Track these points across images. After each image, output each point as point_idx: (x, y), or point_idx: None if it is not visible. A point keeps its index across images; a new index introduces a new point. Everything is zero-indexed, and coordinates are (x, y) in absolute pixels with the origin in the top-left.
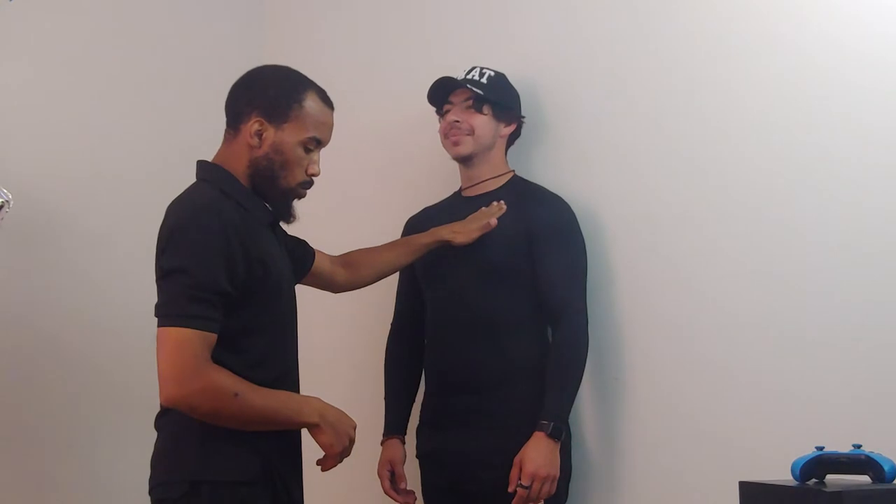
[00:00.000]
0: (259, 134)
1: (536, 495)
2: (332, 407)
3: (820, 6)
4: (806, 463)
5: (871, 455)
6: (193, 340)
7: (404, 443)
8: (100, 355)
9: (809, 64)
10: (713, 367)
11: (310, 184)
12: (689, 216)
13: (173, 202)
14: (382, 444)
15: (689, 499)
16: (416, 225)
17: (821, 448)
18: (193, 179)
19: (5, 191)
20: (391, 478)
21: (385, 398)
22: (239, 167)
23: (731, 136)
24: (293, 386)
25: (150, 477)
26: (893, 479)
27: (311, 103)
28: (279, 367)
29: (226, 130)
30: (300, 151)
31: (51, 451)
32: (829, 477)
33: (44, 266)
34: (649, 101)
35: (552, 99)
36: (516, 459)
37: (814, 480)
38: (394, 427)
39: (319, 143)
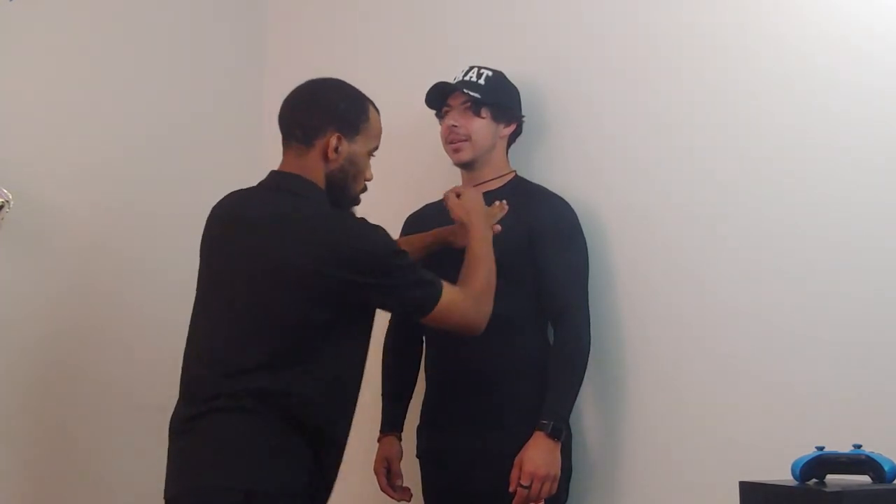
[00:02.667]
0: (336, 148)
1: (536, 495)
2: (473, 212)
3: (822, 6)
4: (806, 463)
5: (871, 455)
6: (449, 290)
7: (400, 440)
8: (100, 355)
9: (812, 62)
10: (713, 367)
11: (365, 189)
12: (691, 215)
13: (325, 218)
14: (379, 441)
15: (689, 499)
16: (415, 222)
17: (821, 448)
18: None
19: (5, 191)
20: (387, 475)
21: (382, 396)
22: (316, 180)
23: (733, 135)
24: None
25: (187, 479)
26: (893, 479)
27: (372, 114)
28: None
29: (292, 146)
30: (367, 161)
31: (51, 451)
32: (830, 477)
33: (44, 266)
34: (652, 100)
35: (554, 98)
36: (517, 459)
37: (814, 480)
38: (390, 424)
39: (376, 150)
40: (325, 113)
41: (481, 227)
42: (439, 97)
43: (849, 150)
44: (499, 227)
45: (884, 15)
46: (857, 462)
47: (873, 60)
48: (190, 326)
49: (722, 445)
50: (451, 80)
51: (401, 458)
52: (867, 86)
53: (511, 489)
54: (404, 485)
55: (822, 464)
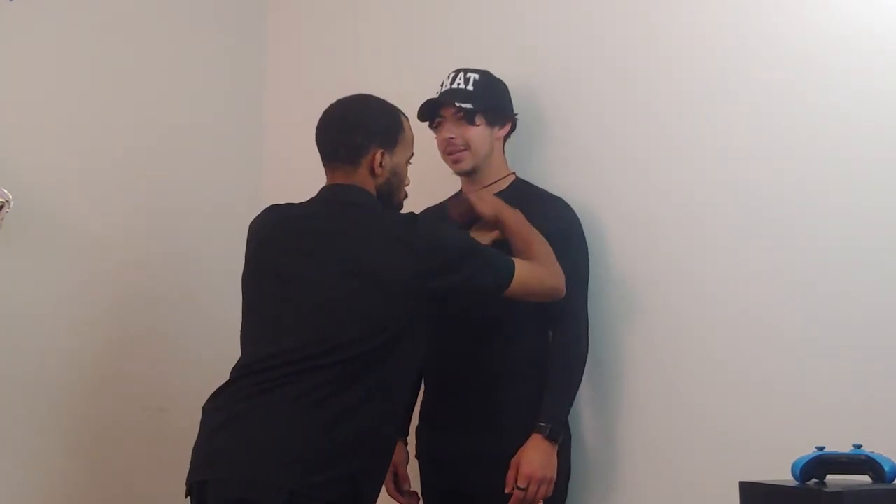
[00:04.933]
0: (381, 163)
1: (533, 497)
2: (498, 204)
3: (823, 6)
4: (806, 463)
5: (872, 455)
6: (519, 263)
7: (407, 444)
8: (100, 355)
9: (814, 63)
10: (713, 368)
11: (406, 195)
12: (692, 216)
13: (395, 222)
14: None
15: (689, 499)
16: None
17: (821, 448)
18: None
19: (5, 191)
20: (395, 479)
21: None
22: (370, 191)
23: (734, 136)
24: None
25: (233, 466)
26: (893, 479)
27: (406, 124)
28: None
29: (338, 167)
30: (406, 169)
31: (51, 451)
32: (830, 477)
33: (44, 266)
34: (652, 100)
35: (554, 99)
36: (513, 461)
37: (814, 480)
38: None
39: (412, 156)
40: (367, 132)
41: (511, 213)
42: (431, 109)
43: (850, 151)
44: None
45: (884, 15)
46: (857, 462)
47: (875, 61)
48: (250, 320)
49: (722, 445)
50: (439, 83)
51: (407, 463)
52: (869, 87)
53: (507, 491)
54: (411, 489)
55: (822, 464)
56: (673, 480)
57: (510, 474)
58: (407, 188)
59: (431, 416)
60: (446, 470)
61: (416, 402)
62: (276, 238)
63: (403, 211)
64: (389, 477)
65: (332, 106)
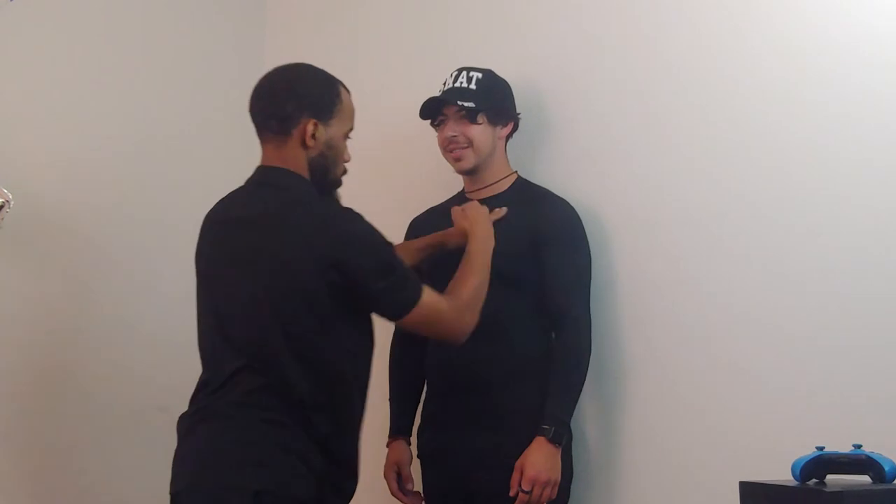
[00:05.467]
0: (313, 134)
1: (537, 500)
2: (477, 222)
3: (823, 7)
4: (806, 463)
5: (872, 455)
6: (430, 295)
7: (410, 444)
8: (100, 355)
9: (814, 64)
10: (713, 368)
11: (345, 171)
12: (693, 216)
13: (311, 211)
14: (388, 445)
15: (689, 499)
16: (419, 225)
17: (821, 448)
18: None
19: (5, 191)
20: (398, 479)
21: (390, 400)
22: (300, 170)
23: (736, 137)
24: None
25: (196, 476)
26: (893, 479)
27: (345, 96)
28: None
29: (270, 138)
30: (343, 143)
31: (51, 451)
32: (830, 477)
33: (44, 266)
34: (654, 101)
35: (556, 99)
36: (517, 464)
37: (814, 480)
38: (399, 429)
39: (351, 131)
40: (298, 101)
41: (482, 237)
42: (434, 108)
43: (850, 153)
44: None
45: (886, 15)
46: (857, 462)
47: (876, 63)
48: (198, 329)
49: (722, 445)
50: (441, 82)
51: (411, 463)
52: (871, 89)
53: (511, 493)
54: (415, 489)
55: (822, 464)
56: (674, 480)
57: (514, 477)
58: (347, 165)
59: (433, 415)
60: (448, 470)
61: (418, 402)
62: (203, 237)
63: (399, 209)
64: (392, 477)
65: (265, 75)
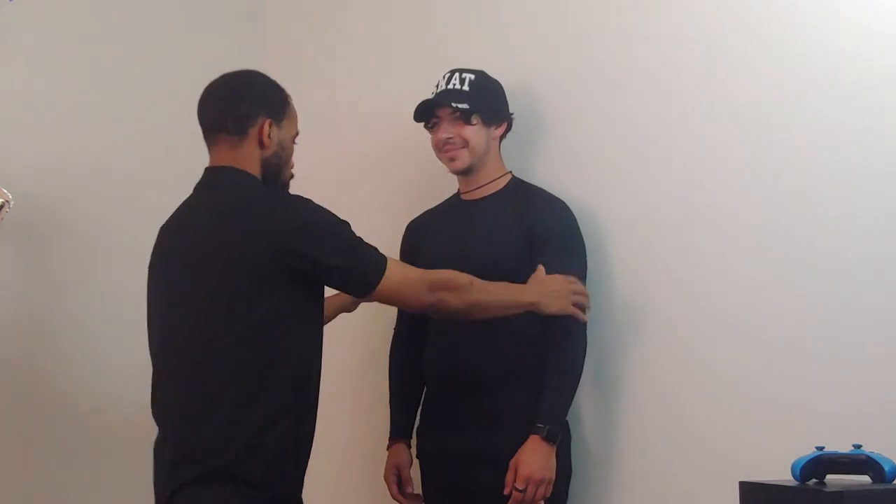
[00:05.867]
0: (269, 134)
1: (532, 499)
2: (543, 281)
3: (818, 7)
4: (806, 463)
5: (872, 455)
6: (398, 266)
7: (410, 447)
8: (100, 355)
9: (810, 66)
10: (713, 367)
11: (293, 176)
12: (689, 217)
13: (260, 202)
14: (388, 448)
15: (689, 499)
16: (416, 228)
17: (821, 448)
18: (193, 179)
19: (5, 191)
20: (398, 482)
21: (390, 403)
22: (253, 170)
23: (731, 138)
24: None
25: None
26: (893, 479)
27: (290, 100)
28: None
29: (222, 138)
30: (292, 146)
31: (50, 452)
32: (830, 477)
33: (44, 266)
34: (649, 102)
35: (550, 100)
36: (512, 462)
37: (814, 480)
38: (399, 431)
39: (297, 136)
40: (255, 100)
41: (542, 300)
42: (428, 110)
43: (850, 155)
44: (585, 317)
45: (882, 17)
46: (857, 462)
47: (874, 65)
48: (148, 341)
49: (722, 445)
50: (432, 83)
51: (411, 465)
52: (867, 92)
53: (506, 492)
54: (415, 492)
55: (822, 464)
56: (673, 480)
57: (508, 476)
58: (293, 170)
59: (432, 415)
60: (447, 469)
61: (418, 404)
62: (155, 245)
63: (390, 211)
64: (392, 479)
65: (214, 80)
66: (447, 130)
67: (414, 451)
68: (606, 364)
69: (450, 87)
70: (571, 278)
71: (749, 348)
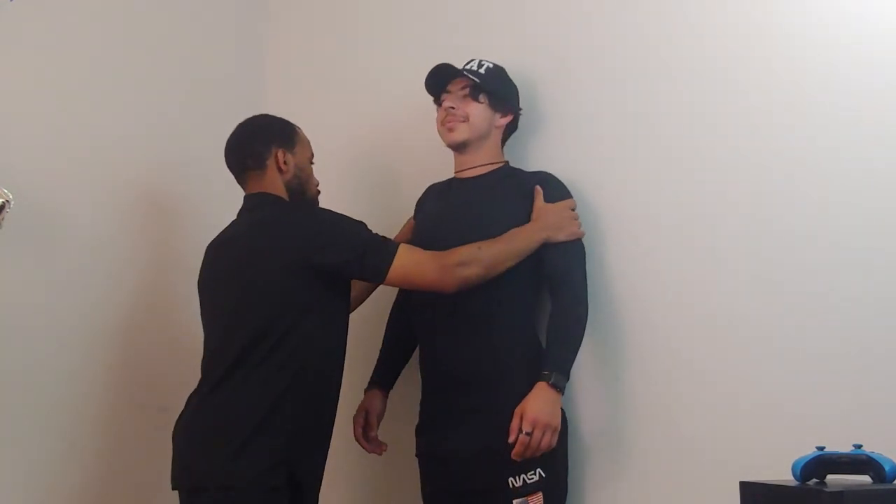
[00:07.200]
0: (284, 161)
1: (537, 444)
2: (543, 214)
3: (821, 3)
4: (806, 463)
5: (872, 455)
6: (410, 252)
7: (386, 398)
8: (101, 355)
9: (812, 63)
10: (713, 367)
11: (319, 192)
12: (689, 214)
13: (280, 219)
14: (365, 392)
15: (689, 499)
16: (423, 201)
17: (821, 448)
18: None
19: (5, 191)
20: (364, 425)
21: (379, 353)
22: (280, 193)
23: (732, 136)
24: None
25: (176, 478)
26: (894, 479)
27: (299, 129)
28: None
29: (249, 175)
30: (310, 167)
31: (52, 451)
32: (830, 477)
33: (44, 266)
34: (649, 98)
35: (551, 94)
36: (517, 409)
37: (814, 480)
38: (379, 379)
39: (313, 157)
40: (265, 136)
41: (545, 225)
42: (439, 82)
43: (851, 154)
44: (581, 232)
45: (885, 14)
46: (858, 462)
47: (874, 62)
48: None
49: (722, 445)
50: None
51: (381, 416)
52: (867, 88)
53: (511, 439)
54: (379, 440)
55: (822, 464)
56: (674, 480)
57: (514, 422)
58: (319, 188)
59: (430, 414)
60: (445, 467)
61: (404, 363)
62: (202, 269)
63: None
64: (360, 422)
65: (229, 137)
66: (453, 102)
67: (413, 450)
68: (606, 361)
69: (467, 67)
70: (567, 202)
71: (749, 347)
